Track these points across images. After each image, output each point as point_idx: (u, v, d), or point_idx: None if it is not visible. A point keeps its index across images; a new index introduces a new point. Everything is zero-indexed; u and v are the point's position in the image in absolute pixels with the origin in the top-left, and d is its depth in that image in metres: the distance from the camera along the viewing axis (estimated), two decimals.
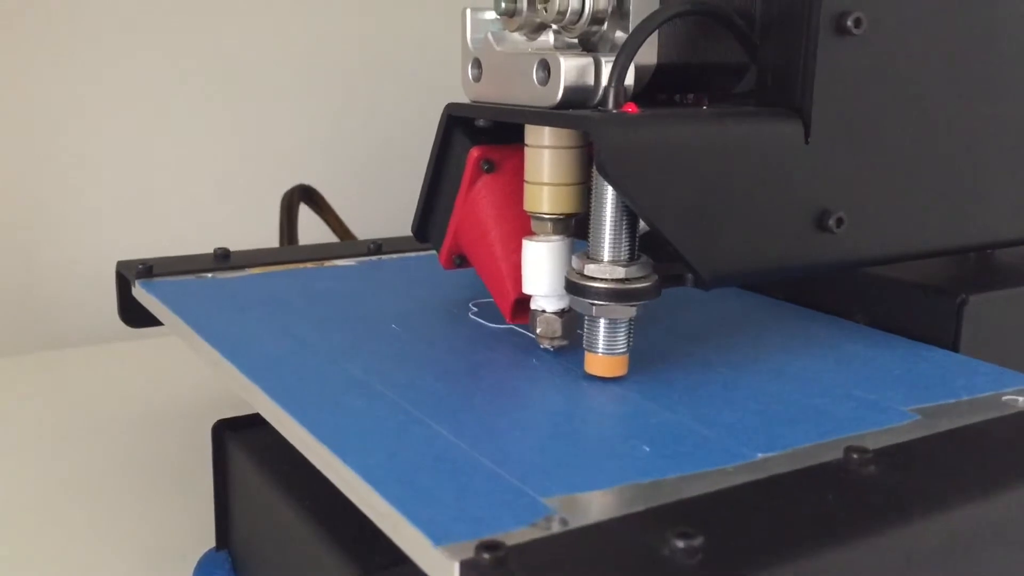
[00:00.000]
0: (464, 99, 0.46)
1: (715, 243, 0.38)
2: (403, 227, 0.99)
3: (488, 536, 0.27)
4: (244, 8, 0.98)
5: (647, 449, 0.33)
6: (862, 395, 0.39)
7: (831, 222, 0.40)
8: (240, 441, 0.48)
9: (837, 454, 0.32)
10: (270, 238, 0.86)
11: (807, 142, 0.39)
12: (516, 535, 0.27)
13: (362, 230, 0.91)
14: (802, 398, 0.38)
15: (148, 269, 0.57)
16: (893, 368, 0.42)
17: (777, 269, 0.41)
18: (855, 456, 0.32)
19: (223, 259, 0.60)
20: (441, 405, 0.37)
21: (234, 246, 0.96)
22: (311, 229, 0.88)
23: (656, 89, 0.43)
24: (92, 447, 0.65)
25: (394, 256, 0.63)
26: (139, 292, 0.55)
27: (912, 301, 0.47)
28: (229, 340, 0.45)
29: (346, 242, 0.65)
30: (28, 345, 0.91)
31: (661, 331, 0.47)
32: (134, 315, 0.57)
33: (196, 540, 0.52)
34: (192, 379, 0.75)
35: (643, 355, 0.43)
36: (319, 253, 0.63)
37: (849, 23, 0.39)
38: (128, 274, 0.57)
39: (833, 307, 0.51)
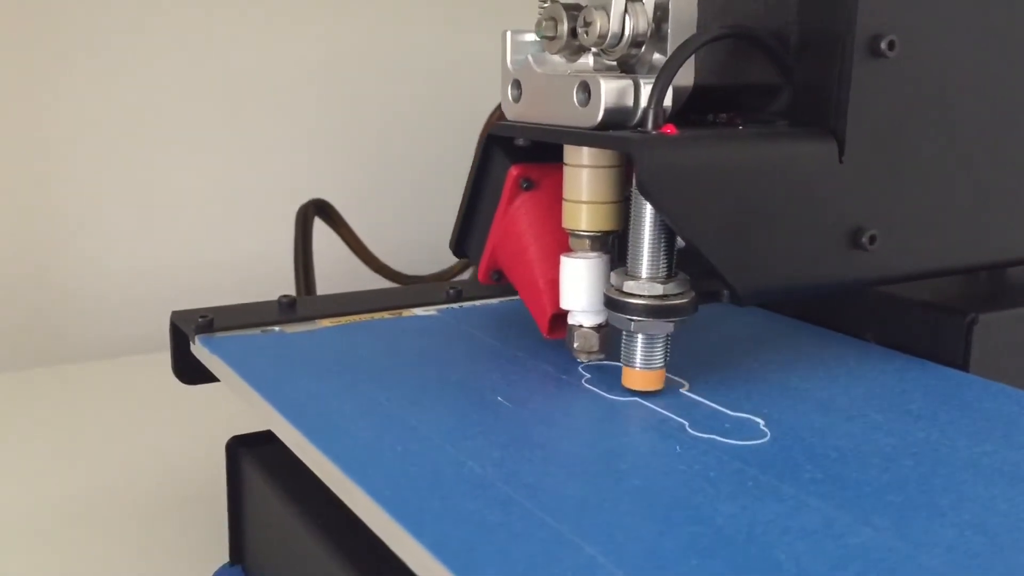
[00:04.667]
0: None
1: (751, 260, 0.39)
2: (416, 241, 1.02)
3: None
4: (262, 24, 0.98)
5: None
6: None
7: (864, 239, 0.41)
8: (254, 457, 0.48)
9: None
10: (284, 251, 0.87)
11: (841, 161, 0.40)
12: None
13: (376, 244, 0.92)
14: (1021, 504, 0.32)
15: (209, 322, 0.50)
16: None
17: (812, 286, 0.42)
18: None
19: (289, 308, 0.54)
20: (587, 517, 0.31)
21: (249, 259, 0.98)
22: (326, 243, 0.89)
23: (690, 109, 0.43)
24: (107, 461, 0.65)
25: (476, 303, 0.58)
26: (199, 350, 0.49)
27: (922, 320, 0.47)
28: (315, 420, 0.39)
29: (422, 287, 0.61)
30: (44, 359, 0.91)
31: (760, 383, 0.43)
32: (191, 371, 0.51)
33: (210, 555, 0.52)
34: (206, 394, 0.73)
35: (782, 424, 0.39)
36: (395, 300, 0.57)
37: (883, 46, 0.40)
38: (186, 328, 0.50)
39: (844, 326, 0.51)
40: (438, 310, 0.56)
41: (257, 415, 0.42)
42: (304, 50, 1.01)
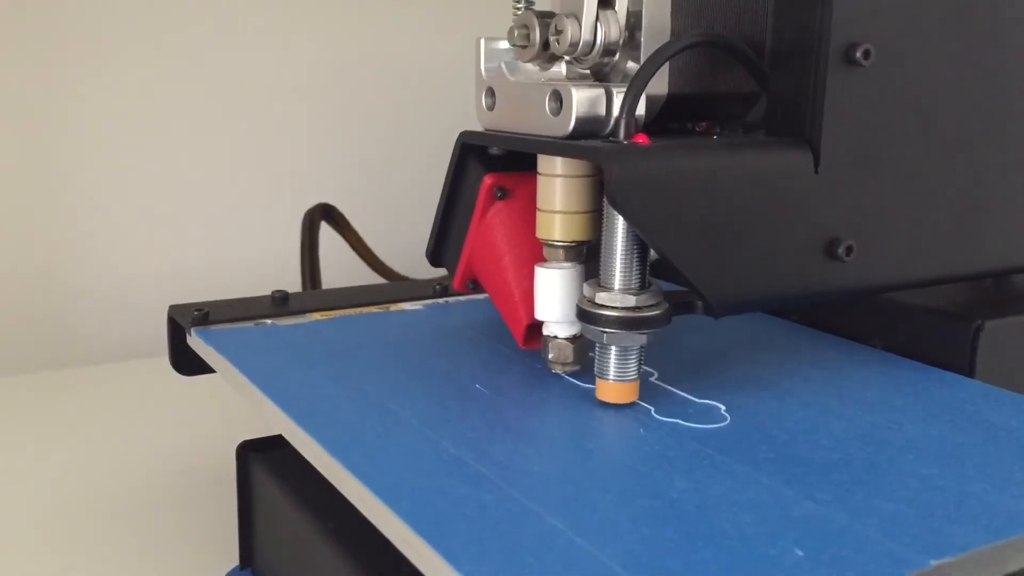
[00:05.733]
0: (478, 126, 0.46)
1: (725, 272, 0.39)
2: (419, 244, 1.00)
3: None
4: (264, 27, 0.98)
5: (800, 553, 0.29)
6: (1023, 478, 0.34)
7: (841, 250, 0.40)
8: (264, 462, 0.49)
9: (1021, 562, 0.29)
10: (291, 254, 0.87)
11: (816, 171, 0.40)
12: None
13: (381, 248, 0.92)
14: (957, 483, 0.34)
15: (204, 316, 0.52)
16: None
17: (787, 297, 0.41)
18: None
19: (282, 303, 0.56)
20: (551, 490, 0.33)
21: (255, 264, 0.98)
22: (331, 246, 0.89)
23: (668, 118, 0.43)
24: (116, 465, 0.65)
25: (461, 299, 0.59)
26: (195, 342, 0.51)
27: (928, 326, 0.47)
28: (303, 406, 0.40)
29: (410, 283, 0.62)
30: (49, 362, 0.91)
31: (734, 378, 0.44)
32: (187, 363, 0.53)
33: (220, 558, 0.53)
34: (216, 397, 0.73)
35: (743, 410, 0.40)
36: (383, 296, 0.59)
37: (858, 55, 0.39)
38: (182, 321, 0.52)
39: (850, 332, 0.51)
40: (424, 305, 0.58)
41: (252, 404, 0.43)
42: (307, 52, 1.01)
